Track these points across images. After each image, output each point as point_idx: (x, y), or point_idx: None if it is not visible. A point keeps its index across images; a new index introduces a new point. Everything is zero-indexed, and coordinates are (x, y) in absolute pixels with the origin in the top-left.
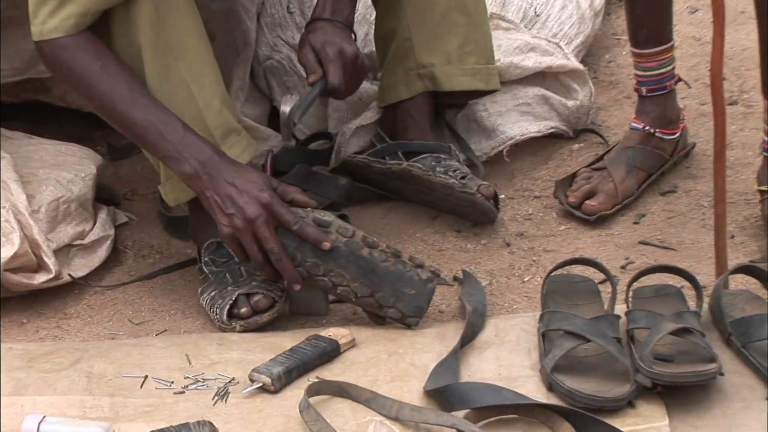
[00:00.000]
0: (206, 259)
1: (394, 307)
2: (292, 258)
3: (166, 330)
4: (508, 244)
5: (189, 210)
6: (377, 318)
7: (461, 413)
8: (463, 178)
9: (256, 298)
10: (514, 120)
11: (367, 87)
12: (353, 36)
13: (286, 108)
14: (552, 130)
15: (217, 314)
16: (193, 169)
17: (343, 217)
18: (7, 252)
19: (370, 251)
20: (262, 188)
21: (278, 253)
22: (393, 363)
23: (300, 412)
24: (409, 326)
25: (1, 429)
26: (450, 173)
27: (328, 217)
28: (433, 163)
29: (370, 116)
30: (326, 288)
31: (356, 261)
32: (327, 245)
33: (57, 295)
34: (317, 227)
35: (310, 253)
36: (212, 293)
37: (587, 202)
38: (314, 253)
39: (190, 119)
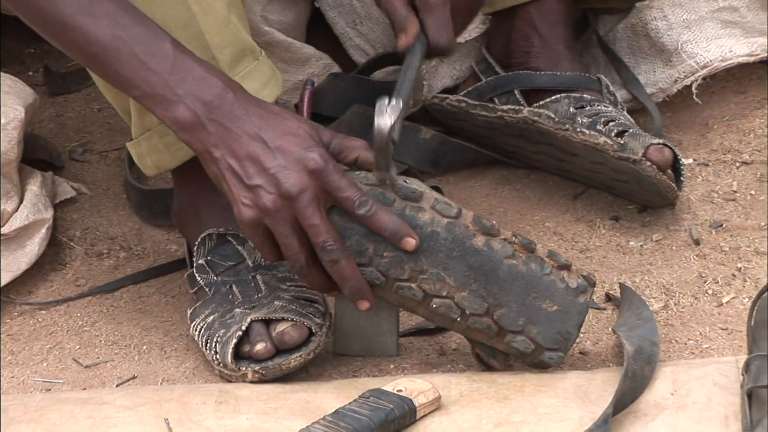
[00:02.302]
0: (201, 261)
1: (524, 332)
2: (356, 254)
3: (134, 377)
4: (698, 242)
5: (174, 181)
6: (490, 355)
7: None
8: (621, 134)
9: (281, 327)
10: (711, 35)
11: None
12: None
13: (383, 120)
14: None
15: (216, 353)
16: (193, 113)
17: (435, 190)
18: None
19: (487, 241)
20: (308, 144)
21: (335, 250)
22: None
23: None
24: (545, 366)
25: None
26: (599, 126)
27: (416, 185)
28: (573, 108)
29: (470, 29)
30: (411, 302)
31: (464, 256)
32: (412, 243)
33: None
34: (401, 204)
35: (389, 244)
36: (210, 318)
37: None
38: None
39: (181, 33)
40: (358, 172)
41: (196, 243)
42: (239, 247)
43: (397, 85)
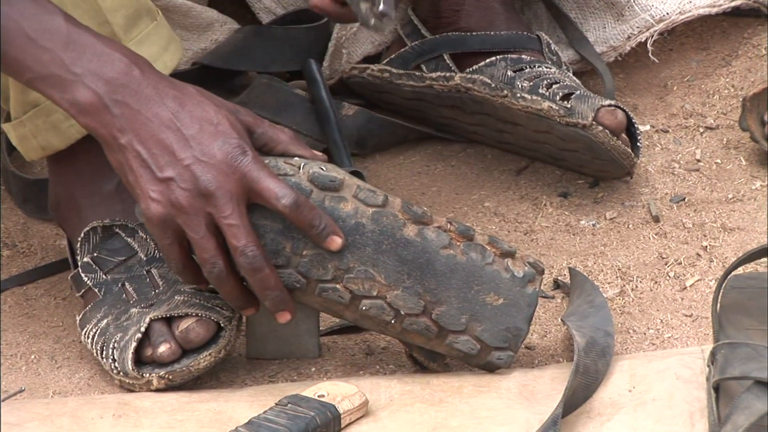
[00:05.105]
0: (87, 259)
1: (468, 332)
2: (272, 254)
3: (21, 390)
4: (657, 219)
5: (49, 167)
6: (429, 359)
7: None
8: (566, 97)
9: (185, 324)
10: None
11: None
12: None
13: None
14: (736, 3)
15: (115, 360)
16: (94, 94)
17: (355, 175)
18: None
19: (419, 230)
20: (228, 134)
21: (257, 256)
22: None
23: None
24: (493, 368)
25: None
26: (542, 89)
27: (335, 172)
28: (510, 71)
29: None
30: (337, 305)
31: (395, 249)
32: (337, 242)
33: None
34: (319, 195)
35: (308, 241)
36: (103, 322)
37: None
38: None
39: None
40: (268, 160)
41: (79, 239)
42: (129, 239)
43: None
